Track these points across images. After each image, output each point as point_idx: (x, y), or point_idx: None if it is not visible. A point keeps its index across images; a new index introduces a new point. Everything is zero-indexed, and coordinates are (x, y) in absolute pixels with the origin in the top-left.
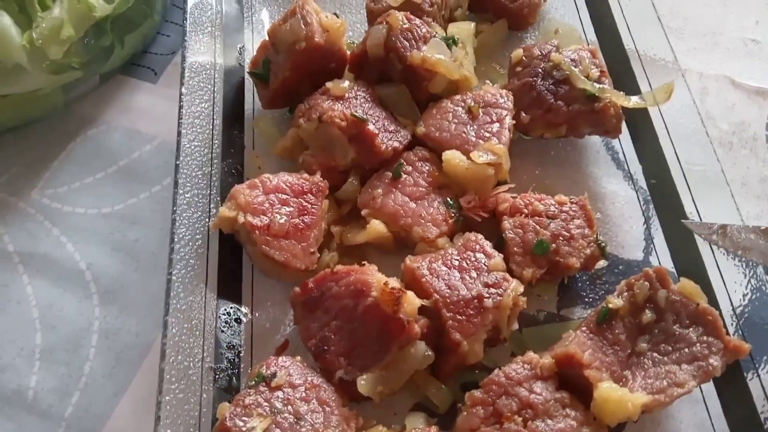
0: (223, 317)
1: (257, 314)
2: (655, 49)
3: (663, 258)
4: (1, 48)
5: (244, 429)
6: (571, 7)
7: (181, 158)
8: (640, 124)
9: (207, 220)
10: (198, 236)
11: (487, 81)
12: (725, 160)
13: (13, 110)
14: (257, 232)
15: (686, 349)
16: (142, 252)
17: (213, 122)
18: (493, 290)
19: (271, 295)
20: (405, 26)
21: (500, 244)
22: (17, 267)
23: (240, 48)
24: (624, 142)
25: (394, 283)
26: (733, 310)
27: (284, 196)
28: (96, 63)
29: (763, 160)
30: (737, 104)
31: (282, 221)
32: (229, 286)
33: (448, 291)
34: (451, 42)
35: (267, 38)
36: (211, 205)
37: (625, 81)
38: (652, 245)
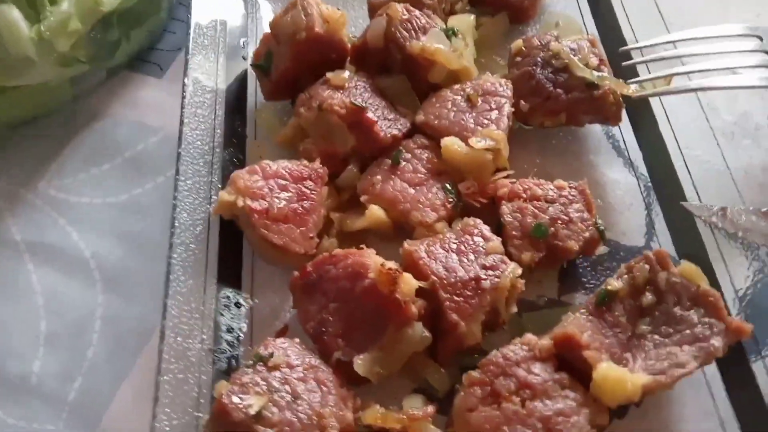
0: (222, 301)
1: (257, 300)
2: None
3: (664, 243)
4: (11, 40)
5: (241, 406)
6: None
7: (183, 146)
8: (640, 113)
9: (208, 206)
10: (199, 222)
11: (488, 72)
12: (727, 149)
13: (25, 103)
14: (256, 215)
15: (687, 331)
16: (145, 241)
17: (215, 113)
18: (490, 272)
19: (271, 283)
20: (404, 17)
21: (499, 230)
22: (23, 256)
23: (243, 42)
24: (625, 131)
25: (391, 265)
26: (736, 293)
27: (283, 182)
28: (103, 57)
29: (765, 150)
30: (740, 95)
31: (281, 205)
32: (230, 272)
33: (446, 273)
34: (450, 33)
35: (269, 31)
36: (212, 192)
37: (626, 72)
38: (653, 231)
